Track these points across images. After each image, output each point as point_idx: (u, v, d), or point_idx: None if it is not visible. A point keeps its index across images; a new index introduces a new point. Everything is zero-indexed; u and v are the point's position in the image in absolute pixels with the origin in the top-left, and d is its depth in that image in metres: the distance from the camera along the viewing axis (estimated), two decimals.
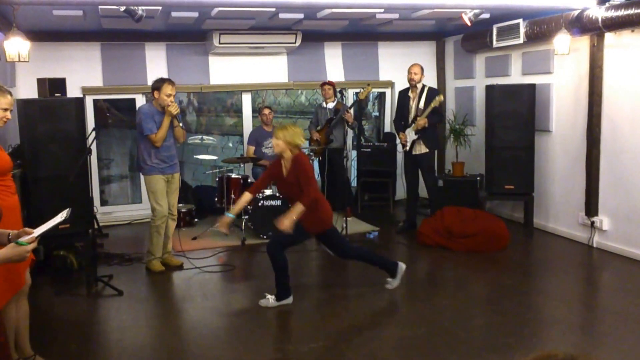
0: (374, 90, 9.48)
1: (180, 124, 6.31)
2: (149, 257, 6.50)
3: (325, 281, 6.22)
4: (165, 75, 8.48)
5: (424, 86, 7.69)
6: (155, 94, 6.19)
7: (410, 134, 7.66)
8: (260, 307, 5.39)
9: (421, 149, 7.69)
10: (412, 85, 7.69)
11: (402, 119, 7.87)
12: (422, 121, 7.49)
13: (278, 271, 5.36)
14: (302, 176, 5.19)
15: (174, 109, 6.13)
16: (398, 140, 8.13)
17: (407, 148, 7.73)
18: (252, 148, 8.60)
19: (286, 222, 5.07)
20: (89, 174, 5.94)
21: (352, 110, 8.40)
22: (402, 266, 5.71)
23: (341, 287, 5.87)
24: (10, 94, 3.95)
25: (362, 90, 8.26)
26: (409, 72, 7.67)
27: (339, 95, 8.51)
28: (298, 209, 5.10)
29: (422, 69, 7.68)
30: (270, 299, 5.37)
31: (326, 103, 8.71)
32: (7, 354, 3.54)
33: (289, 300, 5.41)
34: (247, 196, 5.47)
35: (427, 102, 7.57)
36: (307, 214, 5.18)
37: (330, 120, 8.52)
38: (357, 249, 5.92)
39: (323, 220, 5.43)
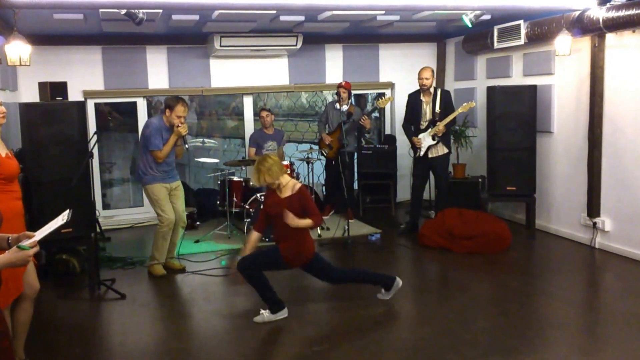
0: (373, 91, 9.48)
1: (186, 146, 6.46)
2: (151, 261, 6.50)
3: (328, 284, 6.21)
4: (166, 79, 8.57)
5: (436, 89, 7.67)
6: (167, 112, 6.25)
7: (427, 139, 7.61)
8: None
9: (438, 151, 7.64)
10: (425, 89, 7.63)
11: (412, 123, 7.81)
12: (443, 126, 7.46)
13: (259, 290, 5.18)
14: (309, 206, 5.07)
15: (184, 130, 6.25)
16: (407, 145, 8.01)
17: (422, 153, 7.65)
18: (254, 150, 8.59)
19: (292, 219, 4.93)
20: (90, 178, 5.93)
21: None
22: (398, 282, 5.46)
23: (345, 290, 5.85)
24: None
25: (382, 98, 8.19)
26: (420, 78, 7.56)
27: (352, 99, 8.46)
28: (306, 222, 5.01)
29: (432, 72, 7.64)
30: (265, 314, 5.15)
31: (340, 105, 8.64)
32: (10, 357, 3.53)
33: (284, 312, 5.19)
34: (255, 235, 5.29)
35: (444, 105, 7.56)
36: (292, 245, 5.09)
37: (343, 123, 8.43)
38: (346, 272, 5.66)
39: (302, 254, 5.16)
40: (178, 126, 6.21)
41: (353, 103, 8.61)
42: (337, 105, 8.59)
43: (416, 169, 7.96)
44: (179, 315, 5.51)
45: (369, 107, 10.90)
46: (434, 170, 7.79)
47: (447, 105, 7.60)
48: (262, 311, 5.18)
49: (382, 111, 10.31)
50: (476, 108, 8.98)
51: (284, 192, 5.12)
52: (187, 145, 6.48)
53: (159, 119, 6.37)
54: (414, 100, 7.76)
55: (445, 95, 7.71)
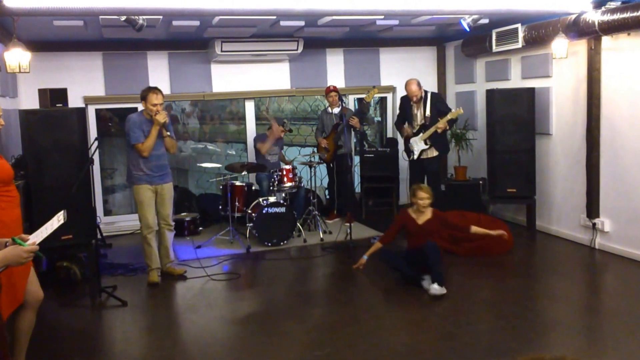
0: (375, 95, 9.50)
1: (169, 133, 6.24)
2: (148, 269, 6.45)
3: (330, 288, 6.23)
4: (168, 84, 8.57)
5: (425, 92, 7.72)
6: (143, 104, 6.17)
7: (419, 143, 7.66)
8: (265, 315, 5.43)
9: (428, 154, 7.70)
10: (415, 101, 7.73)
11: (403, 123, 7.94)
12: (442, 124, 7.48)
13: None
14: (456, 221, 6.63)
15: (162, 118, 6.06)
16: (401, 147, 8.08)
17: (415, 157, 7.73)
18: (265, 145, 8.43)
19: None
20: (91, 184, 5.93)
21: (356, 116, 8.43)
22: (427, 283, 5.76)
23: (346, 294, 5.87)
24: None
25: (368, 93, 8.27)
26: (409, 95, 7.70)
27: (346, 101, 8.50)
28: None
29: (418, 83, 7.69)
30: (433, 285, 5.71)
31: (331, 108, 8.72)
32: None
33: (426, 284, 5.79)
34: (378, 246, 6.31)
35: (435, 107, 7.60)
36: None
37: (337, 125, 8.51)
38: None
39: None
40: (155, 114, 6.06)
41: (345, 105, 8.65)
42: (329, 110, 8.69)
43: (412, 173, 8.01)
44: (181, 322, 5.50)
45: (372, 111, 10.92)
46: (425, 169, 7.84)
47: (440, 107, 7.64)
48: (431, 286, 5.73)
49: (383, 115, 10.34)
50: (476, 111, 9.02)
51: (419, 216, 6.18)
52: (170, 133, 6.23)
53: (139, 114, 6.29)
54: (405, 103, 7.91)
55: (435, 97, 7.79)
